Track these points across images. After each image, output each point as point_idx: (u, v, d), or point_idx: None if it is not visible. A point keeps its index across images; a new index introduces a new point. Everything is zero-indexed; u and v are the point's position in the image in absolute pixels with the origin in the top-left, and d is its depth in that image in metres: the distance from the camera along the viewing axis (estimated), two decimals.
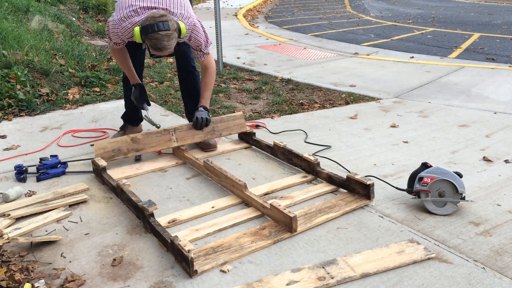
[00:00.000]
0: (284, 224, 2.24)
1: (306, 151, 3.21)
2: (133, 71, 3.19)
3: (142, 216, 2.32)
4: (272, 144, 3.15)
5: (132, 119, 3.56)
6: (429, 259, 2.01)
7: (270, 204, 2.31)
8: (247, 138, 3.40)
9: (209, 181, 2.84)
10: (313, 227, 2.28)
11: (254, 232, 2.22)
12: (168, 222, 2.33)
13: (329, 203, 2.47)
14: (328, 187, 2.68)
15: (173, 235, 2.08)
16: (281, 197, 2.58)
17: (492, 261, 2.01)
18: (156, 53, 2.73)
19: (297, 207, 2.50)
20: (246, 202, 2.53)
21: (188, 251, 1.91)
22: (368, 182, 2.47)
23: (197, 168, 2.98)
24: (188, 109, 3.52)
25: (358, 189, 2.54)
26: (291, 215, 2.19)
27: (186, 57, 3.36)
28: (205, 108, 3.22)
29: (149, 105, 3.29)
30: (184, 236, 2.17)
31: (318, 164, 2.82)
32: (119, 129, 3.59)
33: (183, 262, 1.95)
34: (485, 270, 1.95)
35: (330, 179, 2.71)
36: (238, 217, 2.37)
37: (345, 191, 2.63)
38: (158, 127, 3.20)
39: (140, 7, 2.82)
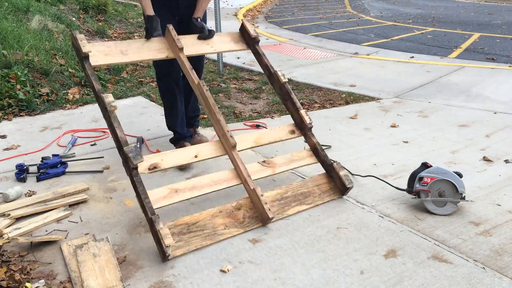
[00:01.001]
0: (260, 213, 2.28)
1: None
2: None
3: (126, 166, 2.21)
4: (273, 71, 2.85)
5: (183, 134, 3.27)
6: None
7: (253, 188, 2.31)
8: (249, 41, 2.99)
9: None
10: (312, 227, 2.29)
11: (229, 213, 2.25)
12: (149, 168, 2.26)
13: (305, 188, 2.51)
14: (311, 160, 2.68)
15: (149, 193, 2.09)
16: (264, 161, 2.58)
17: (492, 261, 2.01)
18: None
19: (275, 183, 2.65)
20: (231, 160, 2.46)
21: (167, 246, 1.94)
22: (348, 185, 2.52)
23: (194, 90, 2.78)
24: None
25: (336, 182, 2.58)
26: (270, 215, 2.22)
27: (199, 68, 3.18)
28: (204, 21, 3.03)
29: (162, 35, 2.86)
30: (160, 199, 2.15)
31: (310, 128, 2.73)
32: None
33: (158, 245, 2.00)
34: (485, 270, 1.95)
35: (315, 152, 2.69)
36: (219, 182, 2.36)
37: (324, 172, 2.65)
38: None
39: None
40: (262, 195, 2.29)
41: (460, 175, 2.44)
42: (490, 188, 2.71)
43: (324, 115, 4.19)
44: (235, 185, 2.40)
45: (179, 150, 2.43)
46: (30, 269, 1.98)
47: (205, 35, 2.89)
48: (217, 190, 2.35)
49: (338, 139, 3.53)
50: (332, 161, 2.63)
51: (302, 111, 2.73)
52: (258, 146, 2.68)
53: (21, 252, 2.11)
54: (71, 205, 2.54)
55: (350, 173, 2.90)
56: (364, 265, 2.00)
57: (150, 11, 2.85)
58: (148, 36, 2.79)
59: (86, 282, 1.86)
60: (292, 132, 2.74)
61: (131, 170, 2.16)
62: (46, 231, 2.30)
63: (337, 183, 2.58)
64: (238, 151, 2.47)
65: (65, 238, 2.24)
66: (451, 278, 1.90)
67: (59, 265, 2.02)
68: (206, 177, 2.36)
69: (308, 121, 2.70)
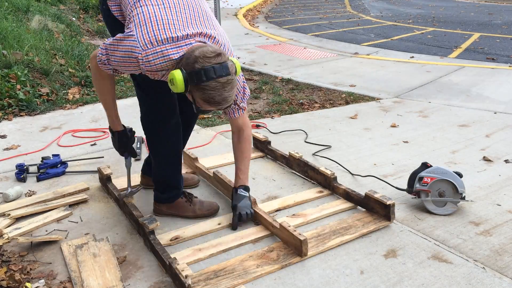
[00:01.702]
0: (294, 247, 2.07)
1: (306, 151, 3.22)
2: (116, 110, 2.23)
3: (142, 233, 2.18)
4: (288, 154, 2.97)
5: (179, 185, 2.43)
6: None
7: (280, 224, 2.14)
8: (262, 147, 3.23)
9: (219, 193, 2.67)
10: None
11: (261, 254, 2.06)
12: (171, 240, 2.17)
13: (345, 223, 2.29)
14: (345, 205, 2.48)
15: (173, 255, 1.97)
16: (293, 215, 2.40)
17: (492, 261, 2.01)
18: (210, 107, 1.87)
19: (309, 226, 2.31)
20: (255, 219, 2.35)
21: (186, 276, 1.76)
22: (388, 202, 2.27)
23: (207, 179, 2.81)
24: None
25: (377, 209, 2.34)
26: (301, 238, 2.01)
27: None
28: (247, 189, 2.36)
29: (136, 157, 2.41)
30: (185, 257, 2.03)
31: (335, 178, 2.62)
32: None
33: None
34: (485, 270, 1.95)
35: (348, 195, 2.52)
36: (245, 237, 2.20)
37: (363, 209, 2.44)
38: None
39: (187, 35, 1.88)
40: (290, 226, 2.11)
41: (460, 175, 2.44)
42: (490, 188, 2.71)
43: (324, 115, 4.19)
44: (264, 236, 2.21)
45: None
46: (30, 269, 1.98)
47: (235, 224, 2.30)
48: (244, 243, 2.16)
49: (338, 139, 3.53)
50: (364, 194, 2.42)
51: (322, 168, 2.70)
52: (284, 208, 2.49)
53: (21, 252, 2.11)
54: (71, 205, 2.55)
55: (351, 173, 2.90)
56: (364, 265, 2.00)
57: (115, 125, 2.21)
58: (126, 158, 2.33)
59: (86, 282, 1.86)
60: (320, 192, 2.65)
61: (147, 234, 2.10)
62: (46, 231, 2.30)
63: (376, 209, 2.35)
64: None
65: (65, 238, 2.24)
66: (451, 278, 1.90)
67: (59, 265, 2.02)
68: (232, 235, 2.22)
69: (329, 173, 2.63)
